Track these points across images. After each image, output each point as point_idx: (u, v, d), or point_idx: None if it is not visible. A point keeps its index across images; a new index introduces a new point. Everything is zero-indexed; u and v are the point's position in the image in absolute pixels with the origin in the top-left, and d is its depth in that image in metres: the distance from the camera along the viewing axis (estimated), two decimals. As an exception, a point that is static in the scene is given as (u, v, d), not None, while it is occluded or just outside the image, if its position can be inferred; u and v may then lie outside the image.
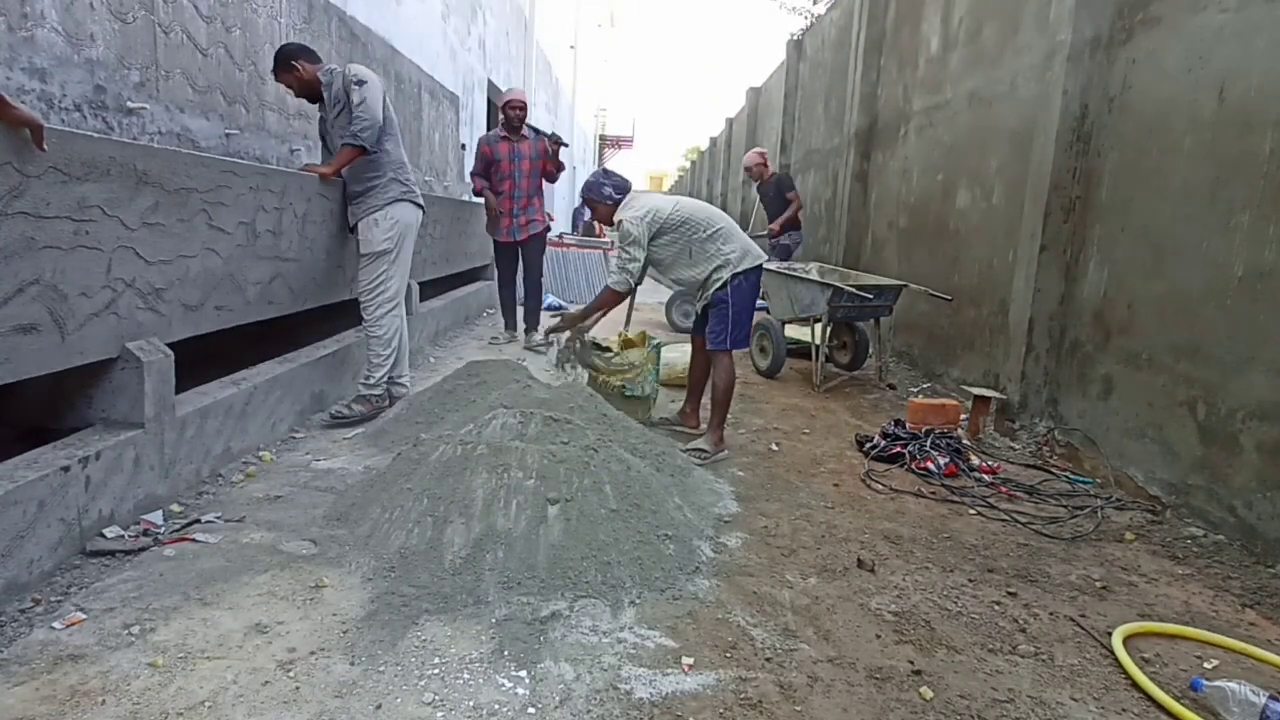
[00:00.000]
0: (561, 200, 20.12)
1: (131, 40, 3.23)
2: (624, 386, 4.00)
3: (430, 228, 5.74)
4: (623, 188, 3.76)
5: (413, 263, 5.40)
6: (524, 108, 5.89)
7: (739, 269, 3.63)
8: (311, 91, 3.70)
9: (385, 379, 3.88)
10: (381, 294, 3.80)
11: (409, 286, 5.37)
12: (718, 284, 3.63)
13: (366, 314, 3.82)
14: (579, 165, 24.11)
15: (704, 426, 3.94)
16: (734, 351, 3.74)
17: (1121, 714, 1.86)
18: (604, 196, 3.72)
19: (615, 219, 3.69)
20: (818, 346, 5.41)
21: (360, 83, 3.59)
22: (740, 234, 3.77)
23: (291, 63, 3.59)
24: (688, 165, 33.24)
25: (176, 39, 3.53)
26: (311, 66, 3.63)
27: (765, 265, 5.55)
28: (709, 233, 3.64)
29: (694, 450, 3.60)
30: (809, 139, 10.28)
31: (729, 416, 4.42)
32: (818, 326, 5.38)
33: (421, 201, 3.96)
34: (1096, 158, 3.82)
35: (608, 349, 4.18)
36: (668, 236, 3.64)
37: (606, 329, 4.41)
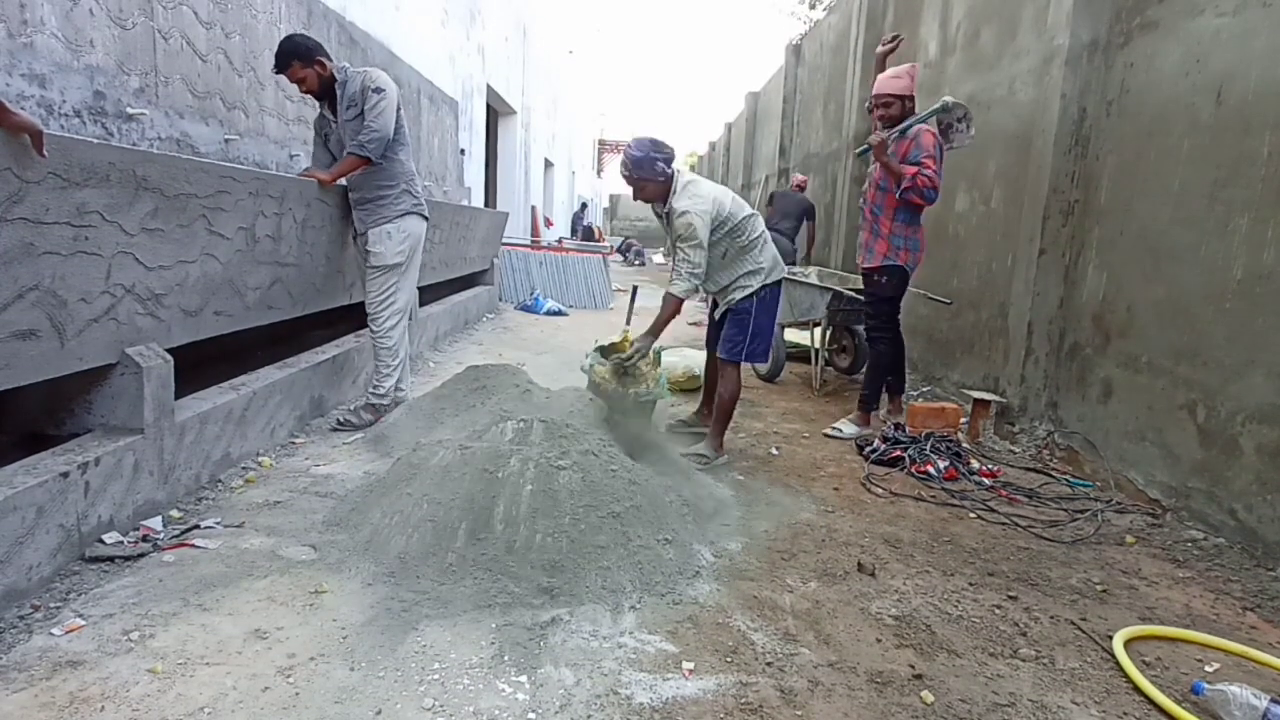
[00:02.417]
0: (560, 205, 20.14)
1: (131, 46, 3.23)
2: (639, 393, 3.90)
3: (430, 233, 5.72)
4: (672, 159, 3.37)
5: (413, 267, 5.43)
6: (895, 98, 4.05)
7: (768, 280, 3.50)
8: (326, 89, 3.62)
9: (394, 388, 3.88)
10: (390, 305, 3.80)
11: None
12: (746, 291, 3.47)
13: (375, 325, 3.81)
14: (577, 170, 24.13)
15: (725, 455, 3.86)
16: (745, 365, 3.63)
17: (1123, 718, 1.85)
18: (657, 173, 3.32)
19: (676, 207, 3.31)
20: (817, 350, 5.42)
21: (379, 90, 3.55)
22: (772, 244, 3.64)
23: (317, 58, 3.51)
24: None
25: (176, 45, 3.54)
26: (329, 64, 3.58)
27: None
28: (751, 238, 3.47)
29: (694, 455, 3.58)
30: (807, 143, 10.30)
31: (732, 420, 4.43)
32: (817, 330, 5.39)
33: (427, 213, 3.96)
34: (1095, 161, 3.82)
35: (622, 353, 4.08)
36: (717, 235, 3.37)
37: (604, 329, 4.39)
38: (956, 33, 5.54)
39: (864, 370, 4.39)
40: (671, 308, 3.39)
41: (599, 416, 3.27)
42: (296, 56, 3.48)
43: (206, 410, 2.86)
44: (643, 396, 3.72)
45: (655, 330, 3.43)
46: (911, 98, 4.07)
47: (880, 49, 4.34)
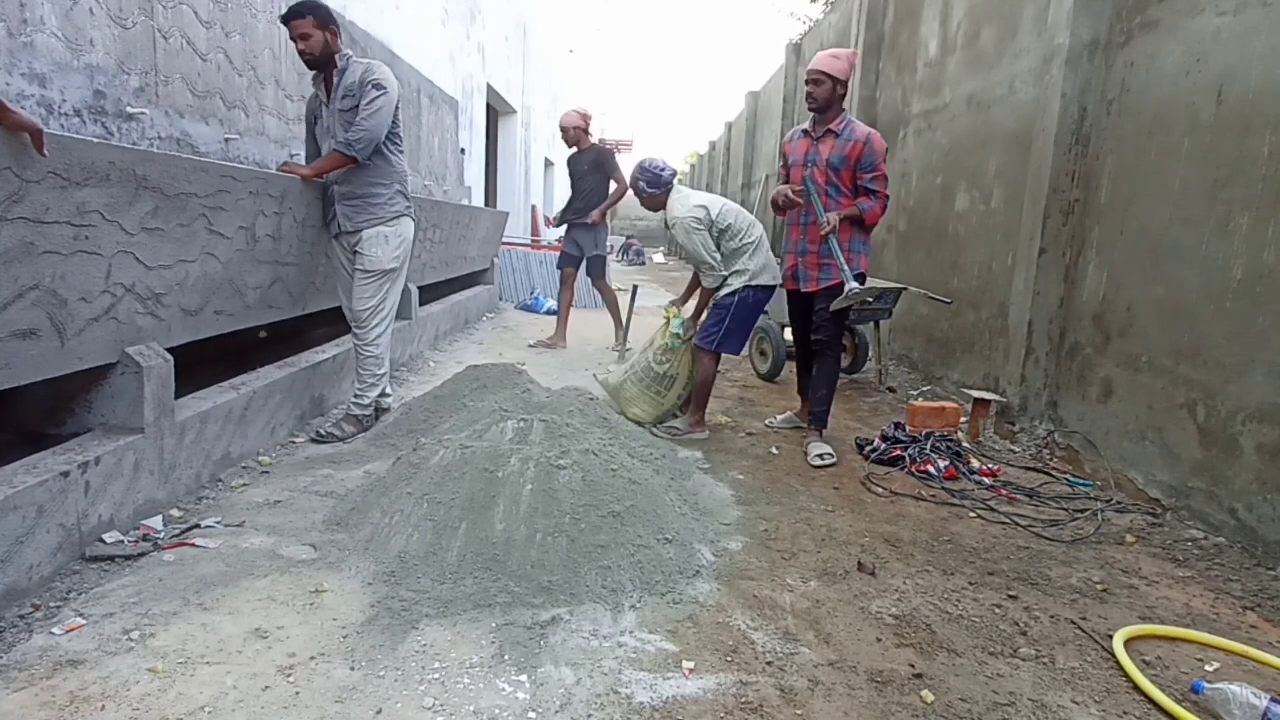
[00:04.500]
0: (561, 204, 20.13)
1: (131, 45, 3.23)
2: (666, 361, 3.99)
3: (430, 232, 5.74)
4: (674, 174, 3.91)
5: (413, 266, 5.43)
6: (816, 81, 3.68)
7: (753, 283, 3.82)
8: (325, 62, 3.44)
9: (378, 398, 3.76)
10: (380, 311, 3.64)
11: (408, 291, 5.38)
12: (729, 288, 3.81)
13: (363, 331, 3.61)
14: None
15: (705, 431, 4.02)
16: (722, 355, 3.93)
17: (1123, 717, 1.86)
18: (664, 183, 3.85)
19: (669, 216, 3.83)
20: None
21: (379, 87, 3.39)
22: (767, 251, 3.93)
23: (332, 25, 3.37)
24: (687, 170, 33.28)
25: (176, 44, 3.54)
26: (339, 40, 3.43)
27: None
28: (744, 242, 3.83)
29: (669, 428, 3.81)
30: (808, 142, 10.28)
31: (732, 419, 4.44)
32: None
33: (414, 214, 3.82)
34: (1095, 160, 3.82)
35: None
36: (711, 235, 3.83)
37: (604, 329, 4.44)
38: (957, 32, 5.54)
39: (813, 384, 3.93)
40: (706, 297, 3.95)
41: (600, 415, 3.26)
42: (315, 13, 3.32)
43: (207, 409, 2.86)
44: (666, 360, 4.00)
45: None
46: (844, 83, 3.69)
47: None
